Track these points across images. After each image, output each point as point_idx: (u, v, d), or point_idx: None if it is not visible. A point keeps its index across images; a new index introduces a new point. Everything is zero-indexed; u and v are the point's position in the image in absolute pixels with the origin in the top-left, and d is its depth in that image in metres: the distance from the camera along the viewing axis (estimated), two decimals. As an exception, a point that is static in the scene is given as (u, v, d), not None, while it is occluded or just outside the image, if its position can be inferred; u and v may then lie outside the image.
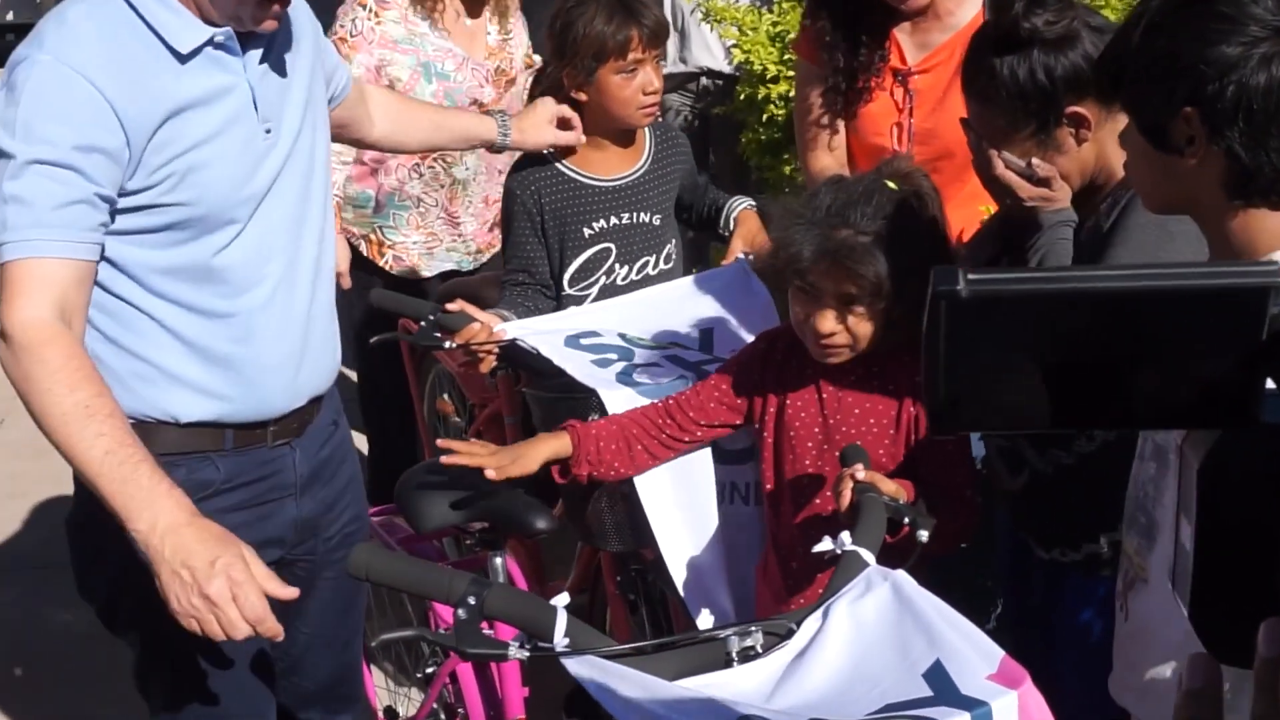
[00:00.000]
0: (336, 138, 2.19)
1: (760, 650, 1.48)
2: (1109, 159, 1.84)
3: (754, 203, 2.60)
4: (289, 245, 1.90)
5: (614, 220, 2.52)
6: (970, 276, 0.75)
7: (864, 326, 1.86)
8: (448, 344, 2.32)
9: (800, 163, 2.73)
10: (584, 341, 2.31)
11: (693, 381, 2.14)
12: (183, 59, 1.74)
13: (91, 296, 1.74)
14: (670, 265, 2.58)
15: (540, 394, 2.48)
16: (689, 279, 2.50)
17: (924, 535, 1.65)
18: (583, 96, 2.44)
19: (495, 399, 2.93)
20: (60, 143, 1.64)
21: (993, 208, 2.19)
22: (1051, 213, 1.87)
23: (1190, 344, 0.78)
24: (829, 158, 2.51)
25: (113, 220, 1.72)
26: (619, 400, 2.15)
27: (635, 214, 2.53)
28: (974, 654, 1.38)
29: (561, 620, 1.48)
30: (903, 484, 1.78)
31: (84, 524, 1.89)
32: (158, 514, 1.55)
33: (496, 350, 2.31)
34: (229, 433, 1.84)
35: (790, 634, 1.50)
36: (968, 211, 2.16)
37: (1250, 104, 1.28)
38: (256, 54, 1.82)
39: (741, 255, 2.44)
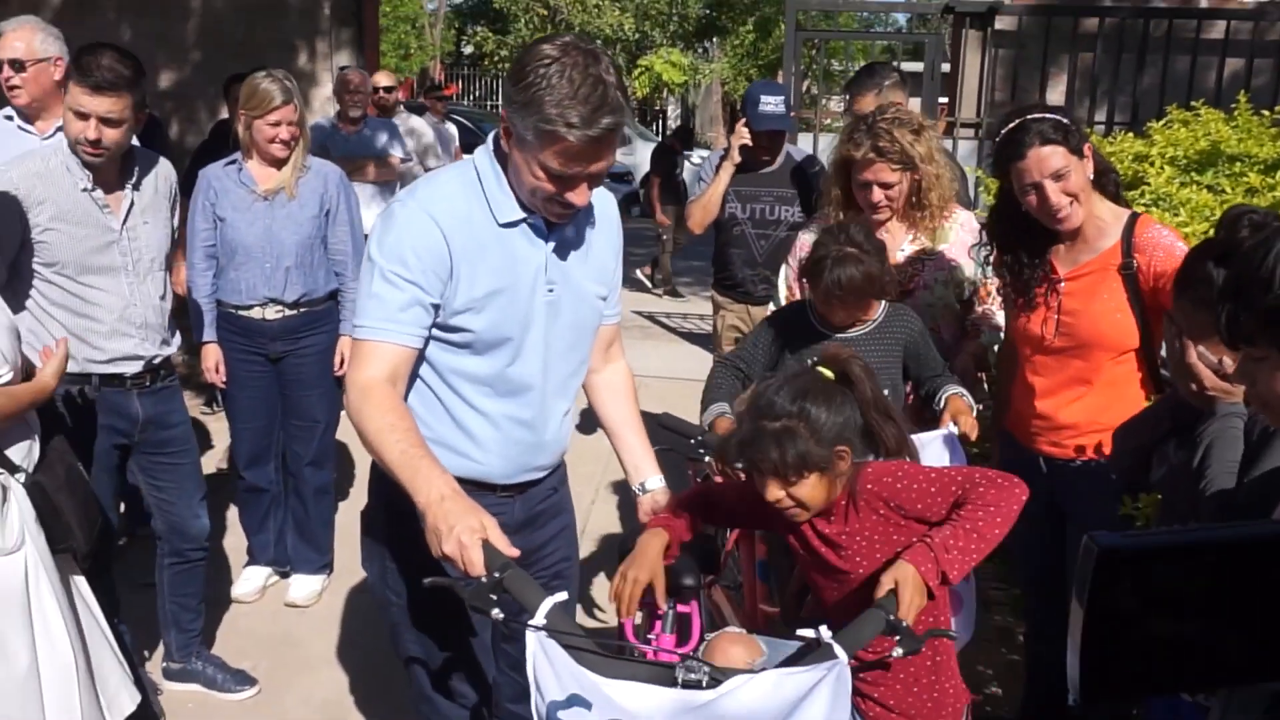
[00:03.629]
0: None
1: (704, 685, 1.73)
2: None
3: (964, 390, 3.08)
4: (548, 373, 2.37)
5: None
6: (1121, 536, 0.75)
7: (805, 492, 2.08)
8: (708, 459, 2.94)
9: None
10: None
11: None
12: (501, 225, 2.25)
13: (414, 374, 2.27)
14: None
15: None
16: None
17: (898, 652, 1.84)
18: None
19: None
20: (413, 266, 2.18)
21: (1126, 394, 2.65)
22: (1227, 404, 2.04)
23: None
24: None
25: (434, 325, 2.23)
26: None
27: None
28: None
29: (546, 606, 1.82)
30: (939, 593, 1.97)
31: (371, 518, 2.50)
32: (430, 491, 2.01)
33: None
34: (469, 485, 2.22)
35: (720, 681, 1.72)
36: (1113, 394, 2.65)
37: None
38: (559, 237, 2.31)
39: (951, 425, 2.94)
